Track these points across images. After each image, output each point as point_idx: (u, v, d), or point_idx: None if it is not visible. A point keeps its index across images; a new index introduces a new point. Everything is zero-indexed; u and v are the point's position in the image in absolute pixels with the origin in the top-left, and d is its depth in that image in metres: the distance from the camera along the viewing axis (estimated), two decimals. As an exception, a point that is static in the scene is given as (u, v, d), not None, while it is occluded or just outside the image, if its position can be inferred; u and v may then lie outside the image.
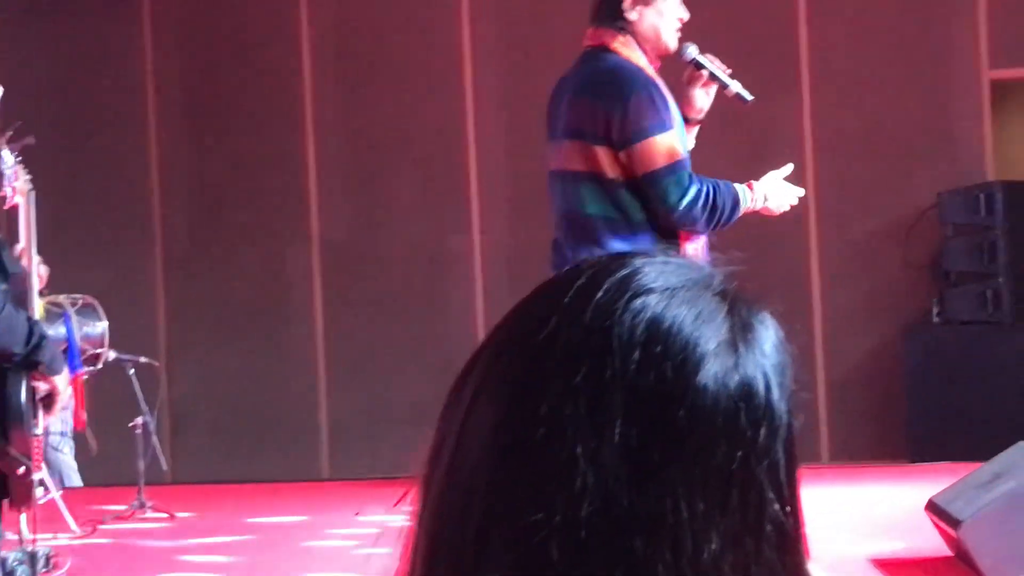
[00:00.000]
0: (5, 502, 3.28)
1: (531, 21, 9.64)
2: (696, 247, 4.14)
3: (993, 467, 4.97)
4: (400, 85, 9.75)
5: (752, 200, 4.11)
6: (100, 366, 7.14)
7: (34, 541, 5.76)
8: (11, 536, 5.74)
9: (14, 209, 3.70)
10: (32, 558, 5.78)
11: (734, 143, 9.41)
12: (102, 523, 7.20)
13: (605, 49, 4.19)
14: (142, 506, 7.41)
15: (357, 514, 7.43)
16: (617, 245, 4.03)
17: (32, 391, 3.25)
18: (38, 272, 3.69)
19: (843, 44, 9.26)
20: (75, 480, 8.61)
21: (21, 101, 10.21)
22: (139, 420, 7.45)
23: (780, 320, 1.17)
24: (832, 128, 9.25)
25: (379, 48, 9.72)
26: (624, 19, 4.17)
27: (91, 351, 6.97)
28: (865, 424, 9.13)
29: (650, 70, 4.23)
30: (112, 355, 7.08)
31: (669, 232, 4.09)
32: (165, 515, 7.36)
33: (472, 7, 9.67)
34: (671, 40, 4.22)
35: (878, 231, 9.18)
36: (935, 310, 8.90)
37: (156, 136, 9.96)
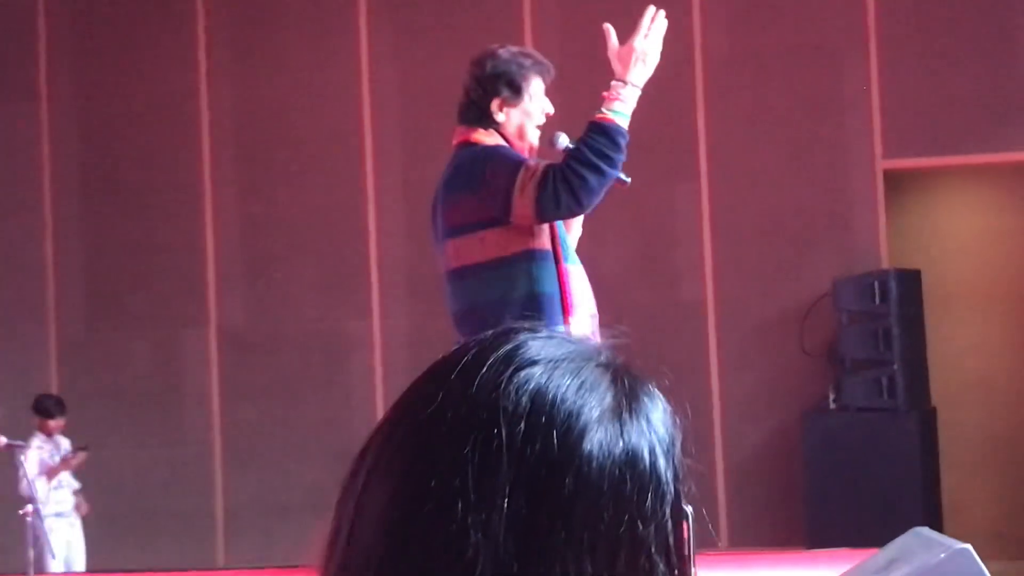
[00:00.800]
0: None
1: (430, 107, 9.68)
2: (582, 321, 4.15)
3: (889, 553, 4.99)
4: (299, 169, 9.73)
5: (627, 95, 4.26)
6: (-10, 452, 7.00)
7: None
8: None
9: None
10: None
11: (634, 230, 9.50)
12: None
13: (470, 143, 4.29)
14: (30, 596, 7.23)
15: None
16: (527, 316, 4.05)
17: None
18: None
19: (741, 133, 9.40)
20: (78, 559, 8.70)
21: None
22: (28, 508, 7.28)
23: (669, 394, 1.17)
24: (730, 215, 9.35)
25: (278, 131, 9.70)
26: (491, 120, 4.36)
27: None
28: (764, 510, 9.16)
29: (522, 149, 4.30)
30: (3, 440, 6.93)
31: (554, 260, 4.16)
32: (54, 605, 7.19)
33: (372, 92, 9.69)
34: (534, 137, 4.40)
35: (775, 317, 9.27)
36: (831, 396, 8.97)
37: (52, 216, 9.84)
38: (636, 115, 9.49)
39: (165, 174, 9.77)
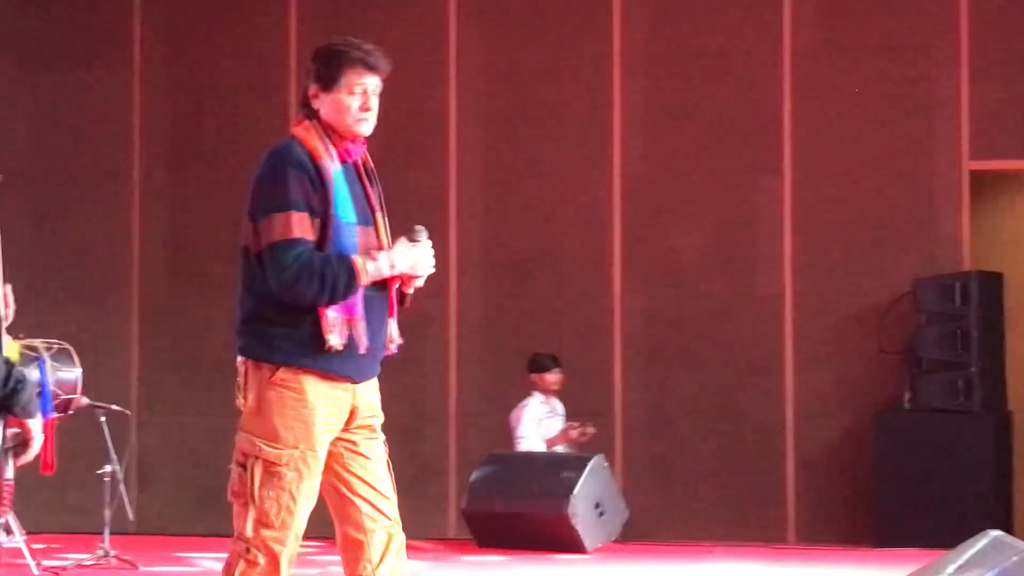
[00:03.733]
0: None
1: (514, 91, 9.72)
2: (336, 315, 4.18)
3: (959, 555, 4.98)
4: (382, 148, 9.78)
5: (376, 268, 4.17)
6: (71, 412, 7.13)
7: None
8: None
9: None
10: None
11: (714, 222, 9.49)
12: (64, 570, 7.16)
13: (291, 137, 4.34)
14: (106, 555, 7.35)
15: (322, 572, 7.41)
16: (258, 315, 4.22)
17: (6, 435, 3.23)
18: (4, 293, 3.67)
19: (826, 128, 9.35)
20: None
21: (8, 149, 10.28)
22: (107, 468, 7.40)
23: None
24: (812, 211, 9.32)
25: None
26: (311, 108, 4.36)
27: (63, 397, 6.96)
28: (833, 507, 9.14)
29: (323, 153, 4.30)
30: (84, 402, 7.05)
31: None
32: (129, 565, 7.31)
33: (458, 75, 9.74)
34: (354, 125, 4.37)
35: (853, 315, 9.23)
36: (907, 396, 8.93)
37: (140, 186, 9.98)
38: (721, 105, 9.52)
39: (252, 146, 9.85)
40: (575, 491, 7.94)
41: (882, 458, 8.80)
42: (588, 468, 8.08)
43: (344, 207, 4.26)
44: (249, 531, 4.12)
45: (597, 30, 9.58)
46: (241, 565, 4.13)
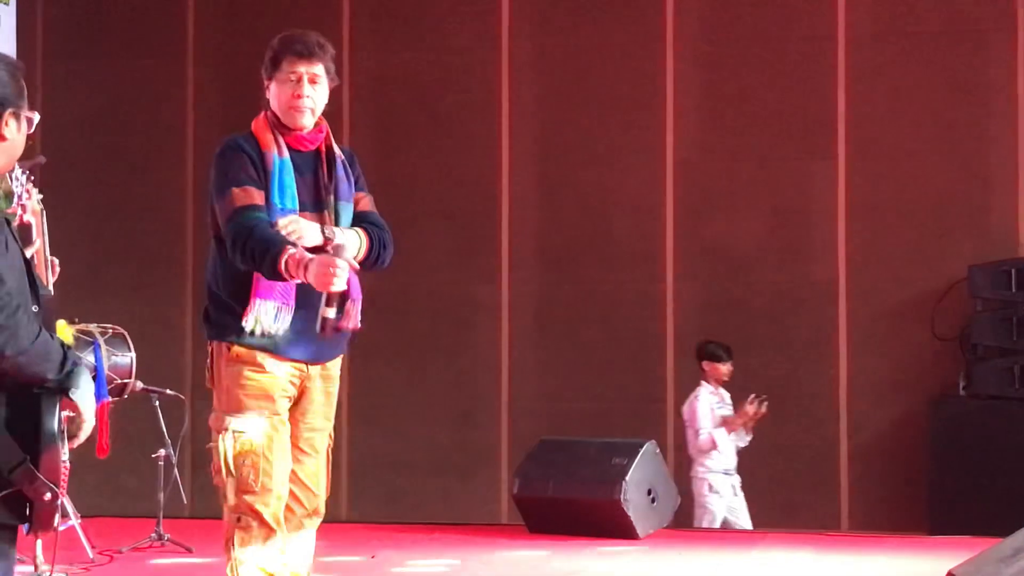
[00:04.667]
0: (22, 527, 3.28)
1: (566, 79, 9.71)
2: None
3: (1015, 541, 4.95)
4: (436, 134, 9.82)
5: (297, 268, 4.20)
6: (126, 396, 7.18)
7: (51, 569, 5.78)
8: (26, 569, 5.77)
9: (26, 228, 3.74)
10: (47, 584, 5.81)
11: (768, 207, 9.45)
12: (119, 553, 7.21)
13: (247, 130, 4.52)
14: (160, 539, 7.40)
15: (372, 556, 7.44)
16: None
17: (60, 417, 3.26)
18: (52, 263, 3.75)
19: (881, 113, 9.29)
20: None
21: (65, 137, 10.36)
22: (161, 452, 7.46)
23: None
24: (866, 196, 9.26)
25: (416, 97, 9.79)
26: (265, 97, 4.54)
27: (118, 381, 7.01)
28: (886, 493, 9.09)
29: (270, 140, 4.44)
30: (139, 386, 7.11)
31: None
32: (183, 549, 7.37)
33: (511, 62, 9.74)
34: (287, 112, 4.48)
35: (908, 301, 9.17)
36: (961, 383, 8.87)
37: (193, 174, 10.04)
38: (775, 90, 9.46)
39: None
40: (627, 477, 7.93)
41: (936, 445, 8.75)
42: (640, 454, 8.07)
43: (283, 194, 4.39)
44: (233, 499, 4.35)
45: (651, 15, 9.55)
46: (237, 533, 4.36)
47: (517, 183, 9.73)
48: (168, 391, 7.53)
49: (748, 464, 9.15)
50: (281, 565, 4.39)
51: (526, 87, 9.76)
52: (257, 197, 4.33)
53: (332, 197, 4.52)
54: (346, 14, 9.92)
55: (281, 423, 4.39)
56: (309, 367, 4.47)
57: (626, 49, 9.59)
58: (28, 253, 3.51)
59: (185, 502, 7.89)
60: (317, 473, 4.53)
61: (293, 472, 4.49)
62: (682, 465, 9.24)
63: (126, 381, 7.03)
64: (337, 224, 4.48)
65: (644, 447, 8.17)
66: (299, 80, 4.48)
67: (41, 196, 3.82)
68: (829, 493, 8.84)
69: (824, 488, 9.14)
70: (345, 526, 9.04)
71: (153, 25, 10.17)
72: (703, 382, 8.81)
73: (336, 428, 10.30)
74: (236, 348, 4.35)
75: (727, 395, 8.84)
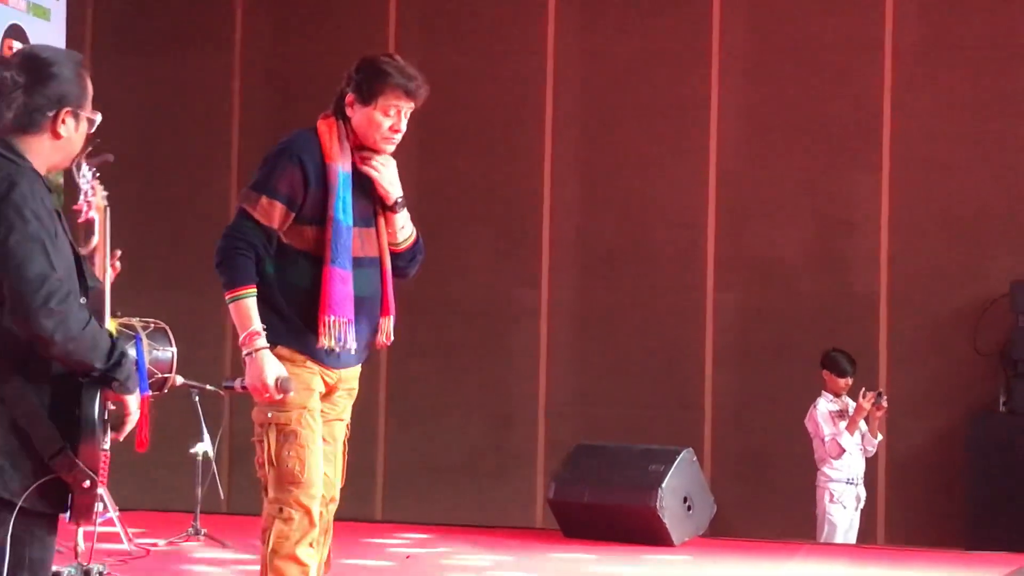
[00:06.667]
0: (63, 516, 3.31)
1: (611, 83, 9.70)
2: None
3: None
4: (478, 137, 9.83)
5: (246, 338, 4.36)
6: (166, 391, 7.22)
7: (89, 557, 5.82)
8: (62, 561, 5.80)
9: (88, 224, 3.77)
10: (86, 574, 5.84)
11: (811, 217, 9.42)
12: (156, 547, 7.25)
13: (312, 130, 4.57)
14: (197, 533, 7.44)
15: (407, 557, 7.46)
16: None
17: (104, 407, 3.29)
18: (113, 263, 3.77)
19: (926, 125, 9.24)
20: None
21: (109, 130, 10.37)
22: (200, 448, 7.49)
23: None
24: (910, 208, 9.22)
25: (459, 98, 9.79)
26: (344, 112, 4.56)
27: (158, 375, 7.05)
28: (924, 507, 9.04)
29: (338, 152, 4.47)
30: (179, 381, 7.14)
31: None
32: (219, 543, 7.40)
33: (556, 65, 9.74)
34: (380, 143, 4.54)
35: (949, 315, 9.12)
36: (1002, 399, 8.82)
37: (237, 169, 10.08)
38: (820, 100, 9.43)
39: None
40: (663, 484, 7.92)
41: (975, 460, 8.70)
42: (677, 461, 8.06)
43: (345, 210, 4.44)
44: (277, 491, 4.39)
45: (696, 23, 9.53)
46: (277, 524, 4.39)
47: (559, 188, 9.73)
48: (208, 386, 7.56)
49: (785, 474, 9.12)
50: (315, 560, 4.43)
51: (570, 93, 9.76)
52: (277, 218, 4.41)
53: (381, 214, 4.59)
54: (392, 16, 9.94)
55: (319, 416, 4.46)
56: (339, 372, 4.54)
57: (671, 57, 9.58)
58: (89, 247, 3.54)
59: (222, 497, 7.91)
60: (336, 462, 4.57)
61: None
62: (721, 473, 9.22)
63: (167, 376, 7.07)
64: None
65: (681, 454, 8.16)
66: (399, 114, 4.54)
67: (106, 194, 3.85)
68: (866, 505, 8.79)
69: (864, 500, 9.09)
70: (380, 526, 9.07)
71: (201, 20, 10.22)
72: (823, 391, 8.59)
73: (372, 428, 10.36)
74: (280, 349, 4.40)
75: (851, 403, 8.53)
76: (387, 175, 4.55)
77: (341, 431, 4.60)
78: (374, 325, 4.57)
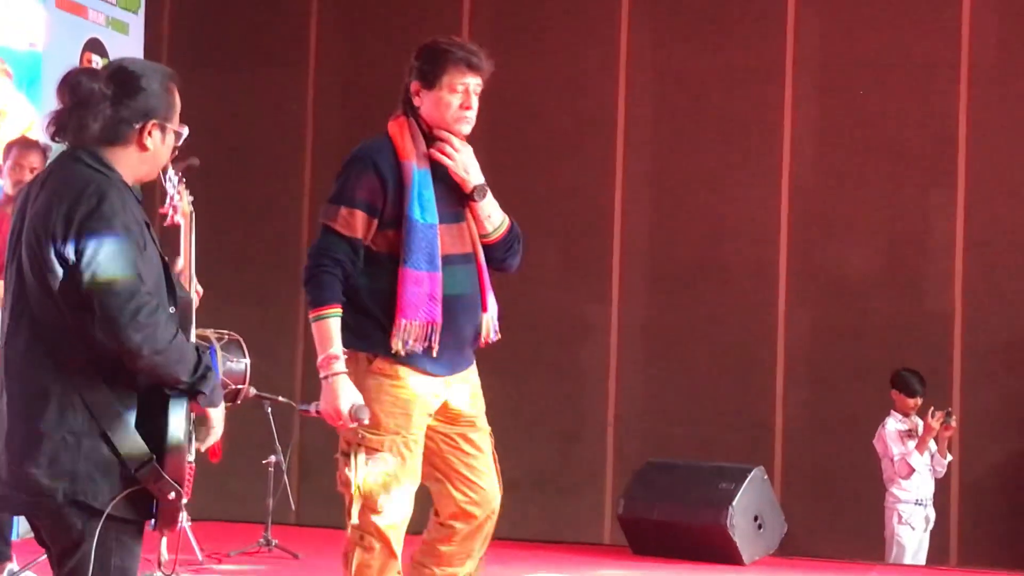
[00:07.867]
0: (148, 523, 3.35)
1: (684, 96, 9.68)
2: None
3: None
4: (550, 150, 9.83)
5: (324, 361, 4.29)
6: (239, 402, 7.27)
7: (173, 566, 5.87)
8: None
9: (174, 229, 3.81)
10: (166, 582, 5.89)
11: (884, 235, 9.35)
12: (227, 557, 7.29)
13: (384, 134, 4.43)
14: (268, 544, 7.48)
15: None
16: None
17: (189, 420, 3.32)
18: (196, 291, 3.79)
19: (1003, 144, 9.15)
20: None
21: (186, 144, 10.46)
22: (272, 459, 7.53)
23: None
24: (985, 227, 9.13)
25: (531, 111, 9.81)
26: (412, 105, 4.44)
27: (232, 386, 7.10)
28: (999, 530, 8.94)
29: (411, 149, 4.37)
30: (252, 392, 7.19)
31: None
32: (289, 555, 7.43)
33: (628, 79, 9.73)
34: (453, 123, 4.42)
35: (1022, 336, 9.02)
36: (1078, 420, 8.72)
37: (311, 182, 10.14)
38: (894, 117, 9.35)
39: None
40: (734, 502, 7.88)
41: (1050, 483, 8.60)
42: (748, 480, 8.02)
43: (423, 208, 4.33)
44: (360, 518, 4.26)
45: (771, 39, 9.50)
46: (358, 552, 4.27)
47: (630, 204, 9.71)
48: (280, 398, 7.60)
49: (857, 494, 9.04)
50: None
51: (643, 109, 9.74)
52: (360, 227, 4.32)
53: (467, 209, 4.48)
54: (466, 31, 9.97)
55: (415, 443, 4.30)
56: (447, 378, 4.40)
57: (744, 73, 9.55)
58: (176, 269, 3.57)
59: (293, 509, 7.95)
60: (489, 473, 4.45)
61: (466, 477, 4.41)
62: (792, 492, 9.15)
63: (240, 387, 7.12)
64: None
65: (752, 472, 8.11)
66: (467, 91, 4.43)
67: (192, 199, 3.89)
68: (939, 527, 8.70)
69: (934, 522, 9.00)
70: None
71: (275, 34, 10.30)
72: (892, 411, 8.56)
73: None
74: (379, 361, 4.29)
75: (920, 422, 8.47)
76: (461, 161, 4.43)
77: (485, 441, 4.47)
78: (476, 323, 4.44)
